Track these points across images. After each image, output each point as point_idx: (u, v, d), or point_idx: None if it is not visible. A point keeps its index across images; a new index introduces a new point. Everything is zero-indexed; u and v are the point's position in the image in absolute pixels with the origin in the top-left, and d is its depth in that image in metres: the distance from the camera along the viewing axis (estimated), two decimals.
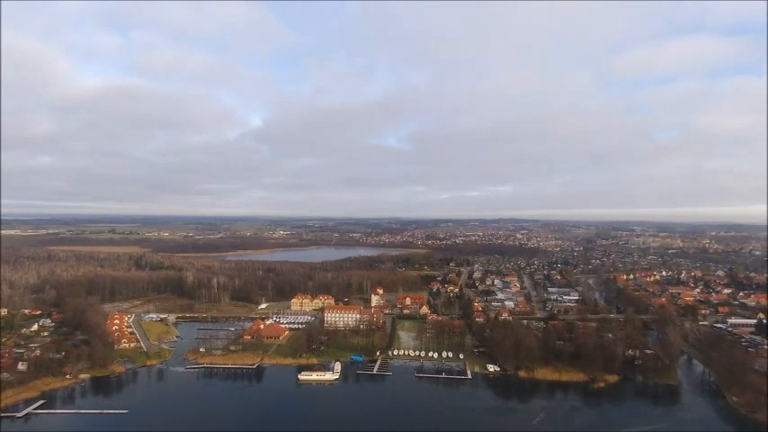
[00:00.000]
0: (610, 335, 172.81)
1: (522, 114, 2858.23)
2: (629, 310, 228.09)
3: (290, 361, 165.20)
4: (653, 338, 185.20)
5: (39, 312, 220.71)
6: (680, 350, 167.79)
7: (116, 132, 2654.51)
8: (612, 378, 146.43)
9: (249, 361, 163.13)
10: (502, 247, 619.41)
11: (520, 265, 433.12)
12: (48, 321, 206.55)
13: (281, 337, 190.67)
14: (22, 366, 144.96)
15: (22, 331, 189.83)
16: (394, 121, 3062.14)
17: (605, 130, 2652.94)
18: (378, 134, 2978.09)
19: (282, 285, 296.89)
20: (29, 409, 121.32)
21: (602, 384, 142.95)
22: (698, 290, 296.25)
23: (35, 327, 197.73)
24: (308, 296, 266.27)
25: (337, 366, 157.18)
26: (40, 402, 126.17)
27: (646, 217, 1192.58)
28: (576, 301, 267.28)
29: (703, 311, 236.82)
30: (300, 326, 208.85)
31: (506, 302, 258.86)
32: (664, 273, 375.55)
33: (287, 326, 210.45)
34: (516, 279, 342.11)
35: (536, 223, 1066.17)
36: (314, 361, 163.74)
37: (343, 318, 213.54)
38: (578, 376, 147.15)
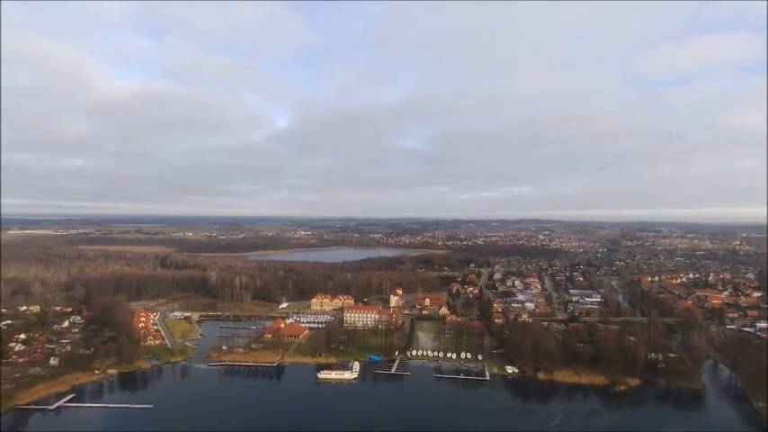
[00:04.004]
0: (632, 338, 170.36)
1: (544, 115, 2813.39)
2: (653, 312, 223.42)
3: (309, 360, 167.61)
4: (677, 342, 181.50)
5: (69, 309, 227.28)
6: (705, 354, 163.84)
7: (145, 135, 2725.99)
8: (634, 381, 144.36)
9: (270, 359, 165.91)
10: (523, 248, 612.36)
11: (541, 267, 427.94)
12: (78, 318, 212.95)
13: (300, 337, 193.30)
14: (53, 361, 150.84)
15: (54, 327, 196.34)
16: (415, 122, 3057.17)
17: (631, 130, 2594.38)
18: (399, 135, 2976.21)
19: (303, 285, 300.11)
20: (60, 403, 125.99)
21: (623, 388, 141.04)
22: (726, 293, 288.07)
23: (66, 323, 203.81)
24: (328, 296, 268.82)
25: (356, 366, 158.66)
26: (71, 396, 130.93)
27: (673, 218, 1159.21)
28: (599, 303, 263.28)
29: (731, 315, 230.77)
30: (320, 325, 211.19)
31: (527, 304, 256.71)
32: (691, 275, 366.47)
33: (307, 325, 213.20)
34: (537, 280, 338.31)
35: (559, 224, 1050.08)
36: (333, 360, 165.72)
37: (362, 318, 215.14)
38: (599, 379, 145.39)
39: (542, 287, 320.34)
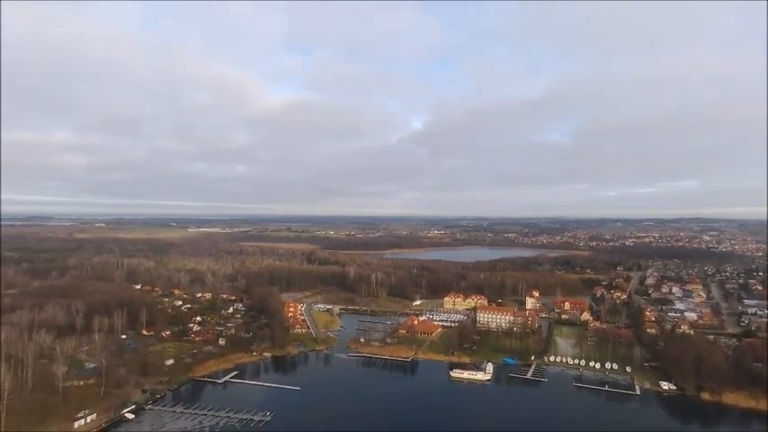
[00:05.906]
0: None
1: (710, 99, 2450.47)
2: None
3: (441, 357, 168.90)
4: None
5: (233, 298, 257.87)
6: None
7: (293, 142, 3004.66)
8: None
9: (404, 354, 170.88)
10: (683, 251, 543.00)
11: (706, 272, 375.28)
12: (240, 306, 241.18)
13: (433, 334, 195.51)
14: (221, 342, 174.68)
15: (222, 313, 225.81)
16: (556, 116, 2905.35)
17: None
18: (539, 131, 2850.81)
19: (436, 283, 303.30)
20: (227, 378, 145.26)
21: None
22: None
23: (231, 309, 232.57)
24: (461, 295, 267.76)
25: (489, 367, 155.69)
26: (235, 373, 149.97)
27: None
28: None
29: None
30: (452, 324, 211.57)
31: (687, 313, 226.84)
32: None
33: (439, 323, 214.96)
34: (701, 287, 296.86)
35: (730, 223, 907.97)
36: (465, 359, 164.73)
37: (495, 319, 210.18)
38: None
39: (707, 295, 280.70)
